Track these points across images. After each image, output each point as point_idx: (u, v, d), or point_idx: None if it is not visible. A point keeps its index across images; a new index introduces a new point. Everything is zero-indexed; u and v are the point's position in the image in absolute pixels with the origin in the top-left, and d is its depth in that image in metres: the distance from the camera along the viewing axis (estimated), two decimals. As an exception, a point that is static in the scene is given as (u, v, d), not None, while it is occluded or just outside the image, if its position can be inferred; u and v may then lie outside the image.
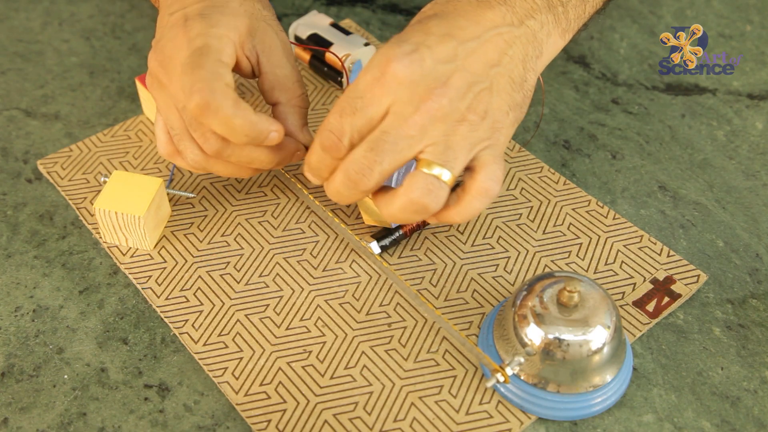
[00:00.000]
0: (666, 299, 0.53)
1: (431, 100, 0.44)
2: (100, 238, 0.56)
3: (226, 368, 0.50)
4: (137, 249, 0.55)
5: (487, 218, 0.58)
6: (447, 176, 0.45)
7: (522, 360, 0.46)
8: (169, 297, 0.53)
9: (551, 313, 0.46)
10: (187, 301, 0.53)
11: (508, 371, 0.46)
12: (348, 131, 0.45)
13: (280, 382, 0.49)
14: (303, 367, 0.50)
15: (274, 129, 0.49)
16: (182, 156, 0.51)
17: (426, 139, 0.45)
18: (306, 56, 0.67)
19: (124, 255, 0.55)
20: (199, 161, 0.51)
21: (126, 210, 0.53)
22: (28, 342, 0.51)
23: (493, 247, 0.56)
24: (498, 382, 0.46)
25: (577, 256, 0.56)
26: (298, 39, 0.67)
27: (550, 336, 0.45)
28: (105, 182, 0.56)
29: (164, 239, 0.56)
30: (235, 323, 0.52)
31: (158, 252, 0.55)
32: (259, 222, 0.57)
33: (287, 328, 0.52)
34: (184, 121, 0.50)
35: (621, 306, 0.53)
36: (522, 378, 0.47)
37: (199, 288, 0.54)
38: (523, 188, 0.60)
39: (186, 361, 0.51)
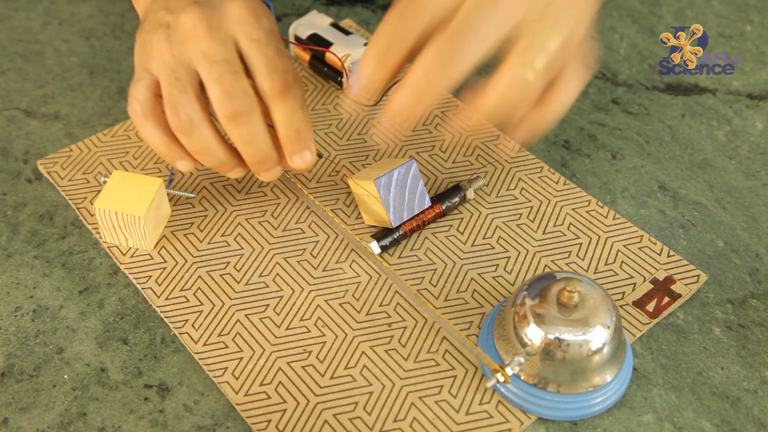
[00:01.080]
0: (666, 299, 0.53)
1: None
2: (100, 238, 0.56)
3: (226, 368, 0.50)
4: (137, 249, 0.55)
5: (487, 218, 0.58)
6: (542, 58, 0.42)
7: (522, 360, 0.46)
8: (169, 297, 0.53)
9: (551, 313, 0.46)
10: (187, 301, 0.53)
11: (508, 371, 0.46)
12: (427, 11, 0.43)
13: (280, 382, 0.49)
14: (303, 367, 0.50)
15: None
16: (172, 112, 0.49)
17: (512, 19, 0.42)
18: (306, 56, 0.67)
19: (124, 255, 0.55)
20: (189, 122, 0.49)
21: (126, 210, 0.53)
22: (28, 342, 0.51)
23: (493, 247, 0.56)
24: (498, 382, 0.46)
25: (577, 256, 0.56)
26: (298, 39, 0.67)
27: (550, 336, 0.45)
28: (105, 182, 0.56)
29: (164, 239, 0.56)
30: (235, 323, 0.52)
31: (158, 252, 0.55)
32: (259, 222, 0.57)
33: (287, 328, 0.52)
34: (193, 79, 0.48)
35: (621, 306, 0.53)
36: (522, 378, 0.47)
37: (199, 288, 0.54)
38: (523, 188, 0.60)
39: (186, 361, 0.51)
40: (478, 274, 0.55)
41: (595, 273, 0.55)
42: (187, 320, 0.52)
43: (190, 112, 0.49)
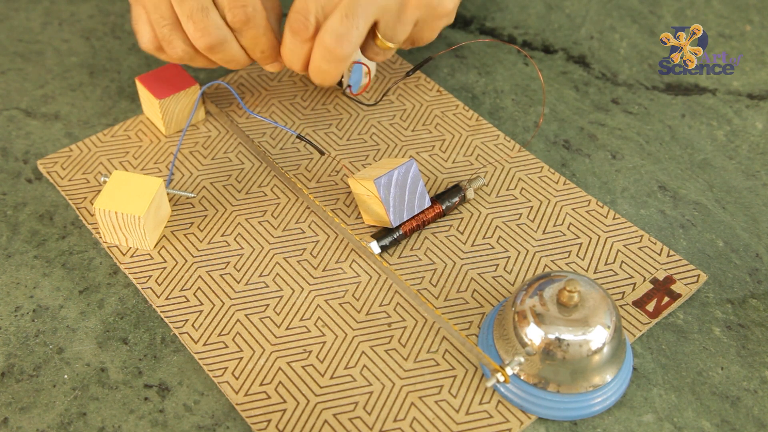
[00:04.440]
0: (666, 299, 0.53)
1: None
2: (100, 238, 0.56)
3: (226, 368, 0.50)
4: (137, 249, 0.55)
5: (487, 218, 0.58)
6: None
7: (522, 360, 0.46)
8: (169, 297, 0.53)
9: (551, 313, 0.46)
10: (187, 301, 0.53)
11: (508, 371, 0.46)
12: (313, 9, 0.50)
13: (280, 382, 0.49)
14: (303, 367, 0.50)
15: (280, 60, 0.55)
16: (169, 48, 0.54)
17: None
18: (306, 56, 0.67)
19: (124, 255, 0.55)
20: (186, 54, 0.55)
21: (126, 210, 0.53)
22: (28, 342, 0.51)
23: (493, 247, 0.56)
24: (498, 382, 0.46)
25: (577, 256, 0.56)
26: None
27: (550, 336, 0.45)
28: (105, 182, 0.56)
29: (164, 239, 0.56)
30: (235, 323, 0.52)
31: (158, 252, 0.55)
32: (259, 222, 0.57)
33: (287, 328, 0.52)
34: (175, 14, 0.53)
35: (621, 306, 0.53)
36: (522, 378, 0.47)
37: (199, 288, 0.54)
38: (523, 188, 0.60)
39: (186, 361, 0.51)
40: (478, 274, 0.55)
41: (595, 273, 0.55)
42: (187, 320, 0.52)
43: (184, 47, 0.54)
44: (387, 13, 0.53)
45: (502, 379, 0.46)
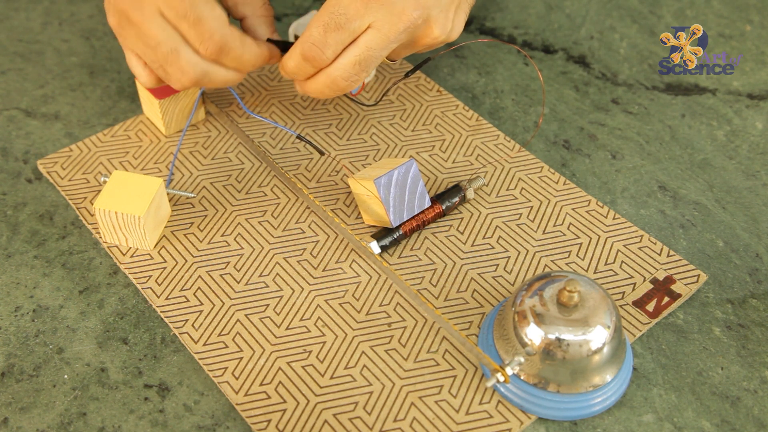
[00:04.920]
0: (666, 299, 0.53)
1: (406, 17, 0.52)
2: (100, 238, 0.56)
3: (226, 368, 0.50)
4: (137, 249, 0.55)
5: (487, 218, 0.58)
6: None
7: (522, 360, 0.46)
8: (169, 297, 0.53)
9: (551, 312, 0.46)
10: (187, 301, 0.53)
11: (508, 371, 0.46)
12: (332, 44, 0.52)
13: (280, 382, 0.49)
14: (303, 367, 0.50)
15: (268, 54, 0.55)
16: (172, 83, 0.55)
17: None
18: (306, 56, 0.67)
19: (124, 255, 0.55)
20: (186, 81, 0.54)
21: (126, 210, 0.53)
22: (28, 342, 0.51)
23: (493, 247, 0.56)
24: (498, 382, 0.46)
25: (577, 256, 0.56)
26: (297, 39, 0.67)
27: (550, 336, 0.45)
28: (105, 182, 0.56)
29: (164, 239, 0.56)
30: (235, 323, 0.52)
31: (158, 252, 0.55)
32: (259, 222, 0.57)
33: (287, 328, 0.52)
34: (158, 54, 0.53)
35: (621, 306, 0.53)
36: (522, 378, 0.47)
37: (199, 288, 0.54)
38: (523, 188, 0.60)
39: (186, 361, 0.51)
40: (478, 274, 0.55)
41: (595, 273, 0.55)
42: (187, 320, 0.52)
43: (182, 78, 0.54)
44: (396, 48, 0.55)
45: (502, 379, 0.46)
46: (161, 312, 0.52)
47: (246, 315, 0.52)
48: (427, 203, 0.56)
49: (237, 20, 0.58)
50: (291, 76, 0.55)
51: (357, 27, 0.52)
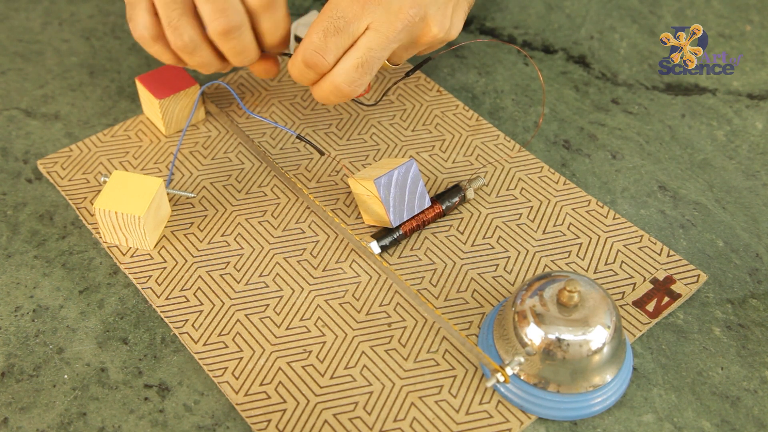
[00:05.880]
0: (666, 299, 0.53)
1: (404, 15, 0.52)
2: (100, 238, 0.56)
3: (226, 368, 0.50)
4: (137, 249, 0.55)
5: (487, 218, 0.58)
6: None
7: (522, 360, 0.46)
8: (169, 297, 0.53)
9: (551, 312, 0.46)
10: (187, 301, 0.53)
11: (508, 371, 0.46)
12: (332, 49, 0.51)
13: (280, 382, 0.49)
14: (303, 367, 0.50)
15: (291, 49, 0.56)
16: (173, 34, 0.52)
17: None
18: (306, 56, 0.67)
19: (124, 255, 0.55)
20: (191, 42, 0.53)
21: (126, 210, 0.53)
22: (28, 342, 0.51)
23: (493, 247, 0.56)
24: (498, 382, 0.46)
25: (577, 256, 0.56)
26: (298, 39, 0.67)
27: (550, 336, 0.45)
28: (105, 182, 0.56)
29: (164, 239, 0.56)
30: (235, 323, 0.52)
31: (158, 252, 0.55)
32: (259, 222, 0.57)
33: (287, 328, 0.52)
34: None
35: (621, 306, 0.53)
36: (522, 378, 0.47)
37: (199, 288, 0.54)
38: (523, 188, 0.60)
39: (186, 361, 0.51)
40: (478, 274, 0.55)
41: (595, 273, 0.55)
42: (187, 320, 0.52)
43: (192, 34, 0.52)
44: (397, 50, 0.55)
45: (502, 379, 0.46)
46: (161, 312, 0.52)
47: (246, 315, 0.52)
48: (427, 203, 0.56)
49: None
50: (297, 80, 0.55)
51: (356, 29, 0.52)
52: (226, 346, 0.51)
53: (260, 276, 0.54)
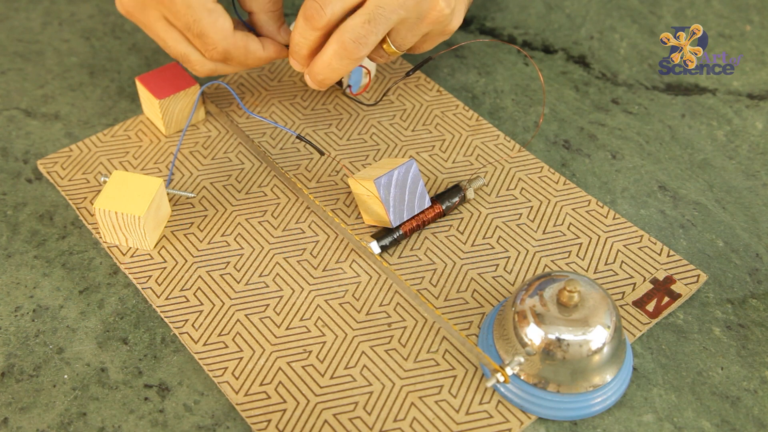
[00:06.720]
0: (666, 299, 0.53)
1: None
2: (100, 238, 0.56)
3: (226, 368, 0.50)
4: (137, 249, 0.55)
5: (487, 218, 0.58)
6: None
7: (522, 360, 0.46)
8: (169, 297, 0.53)
9: (551, 312, 0.46)
10: (187, 301, 0.53)
11: (508, 371, 0.46)
12: (330, 1, 0.51)
13: (280, 382, 0.49)
14: (303, 367, 0.50)
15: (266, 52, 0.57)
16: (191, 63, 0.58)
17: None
18: (306, 56, 0.67)
19: (124, 255, 0.55)
20: (201, 72, 0.58)
21: (126, 210, 0.53)
22: (28, 342, 0.51)
23: (493, 247, 0.56)
24: (498, 382, 0.46)
25: (577, 256, 0.56)
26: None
27: (550, 336, 0.45)
28: (105, 182, 0.56)
29: (164, 239, 0.56)
30: (235, 323, 0.52)
31: (158, 252, 0.55)
32: (259, 222, 0.57)
33: (287, 328, 0.52)
34: (169, 51, 0.57)
35: (621, 306, 0.53)
36: (522, 378, 0.47)
37: (199, 288, 0.54)
38: (523, 188, 0.60)
39: (186, 361, 0.51)
40: (478, 274, 0.55)
41: (595, 273, 0.55)
42: (187, 320, 0.52)
43: (198, 69, 0.58)
44: (404, 24, 0.54)
45: (502, 379, 0.46)
46: (161, 312, 0.52)
47: (246, 315, 0.52)
48: (427, 203, 0.56)
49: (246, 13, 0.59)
50: (297, 48, 0.54)
51: None
52: (226, 346, 0.51)
53: (260, 276, 0.54)
